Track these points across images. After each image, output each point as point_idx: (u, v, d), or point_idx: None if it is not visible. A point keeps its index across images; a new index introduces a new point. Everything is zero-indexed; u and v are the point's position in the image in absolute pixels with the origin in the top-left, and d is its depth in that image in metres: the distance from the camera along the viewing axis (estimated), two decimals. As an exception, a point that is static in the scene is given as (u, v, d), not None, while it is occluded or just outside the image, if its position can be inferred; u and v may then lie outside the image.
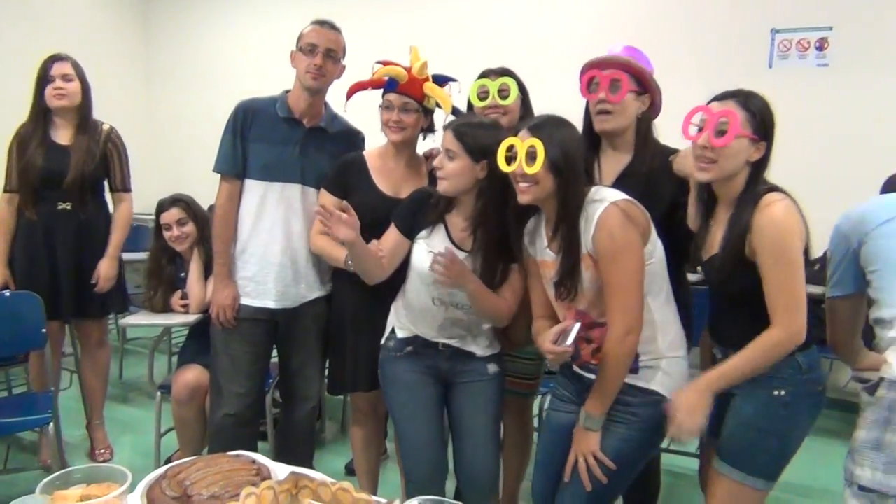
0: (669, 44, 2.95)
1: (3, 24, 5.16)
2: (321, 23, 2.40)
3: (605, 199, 1.76)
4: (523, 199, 1.81)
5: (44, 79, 2.94)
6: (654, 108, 2.14)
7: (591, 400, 1.82)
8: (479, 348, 2.15)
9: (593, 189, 1.81)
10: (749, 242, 1.68)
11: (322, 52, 2.34)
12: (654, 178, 2.02)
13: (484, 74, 2.36)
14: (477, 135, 1.97)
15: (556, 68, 3.43)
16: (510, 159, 1.81)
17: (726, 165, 1.70)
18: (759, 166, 1.73)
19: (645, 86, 2.10)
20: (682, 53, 3.97)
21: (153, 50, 6.35)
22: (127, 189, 3.12)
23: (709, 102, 1.76)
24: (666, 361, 1.83)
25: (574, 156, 1.78)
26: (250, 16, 5.85)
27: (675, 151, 2.10)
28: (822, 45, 3.81)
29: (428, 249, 2.06)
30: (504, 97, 2.29)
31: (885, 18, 3.79)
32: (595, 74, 2.07)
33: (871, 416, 1.62)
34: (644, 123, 2.11)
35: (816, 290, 3.62)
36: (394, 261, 2.14)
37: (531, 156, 1.75)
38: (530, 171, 1.75)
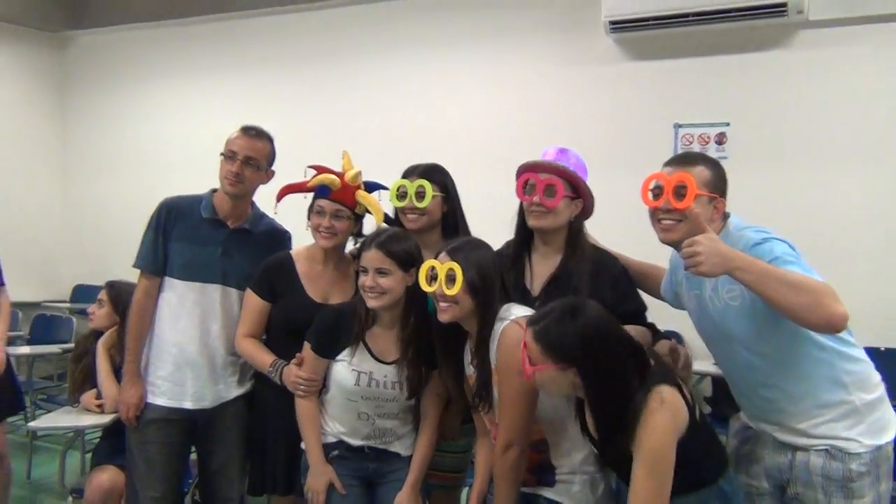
0: (581, 138, 3.14)
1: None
2: (246, 129, 2.42)
3: (508, 317, 1.85)
4: (443, 317, 1.89)
5: None
6: (584, 212, 2.20)
7: None
8: (403, 448, 2.19)
9: (505, 306, 1.90)
10: (633, 436, 1.61)
11: (241, 160, 2.35)
12: (583, 284, 2.05)
13: (406, 173, 2.38)
14: (403, 247, 2.05)
15: (482, 165, 3.62)
16: (431, 279, 1.90)
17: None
18: None
19: (578, 191, 2.16)
20: (594, 147, 4.18)
21: (71, 139, 6.26)
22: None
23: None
24: (581, 477, 1.88)
25: (490, 276, 1.88)
26: (174, 107, 5.79)
27: (610, 256, 2.20)
28: (720, 140, 4.11)
29: (352, 368, 2.10)
30: (420, 199, 2.30)
31: (774, 116, 4.13)
32: (531, 177, 2.12)
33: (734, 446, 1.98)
34: (575, 227, 2.17)
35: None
36: (320, 382, 2.18)
37: (450, 278, 1.85)
38: (450, 292, 1.84)
